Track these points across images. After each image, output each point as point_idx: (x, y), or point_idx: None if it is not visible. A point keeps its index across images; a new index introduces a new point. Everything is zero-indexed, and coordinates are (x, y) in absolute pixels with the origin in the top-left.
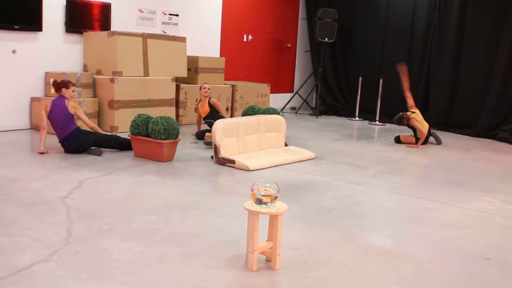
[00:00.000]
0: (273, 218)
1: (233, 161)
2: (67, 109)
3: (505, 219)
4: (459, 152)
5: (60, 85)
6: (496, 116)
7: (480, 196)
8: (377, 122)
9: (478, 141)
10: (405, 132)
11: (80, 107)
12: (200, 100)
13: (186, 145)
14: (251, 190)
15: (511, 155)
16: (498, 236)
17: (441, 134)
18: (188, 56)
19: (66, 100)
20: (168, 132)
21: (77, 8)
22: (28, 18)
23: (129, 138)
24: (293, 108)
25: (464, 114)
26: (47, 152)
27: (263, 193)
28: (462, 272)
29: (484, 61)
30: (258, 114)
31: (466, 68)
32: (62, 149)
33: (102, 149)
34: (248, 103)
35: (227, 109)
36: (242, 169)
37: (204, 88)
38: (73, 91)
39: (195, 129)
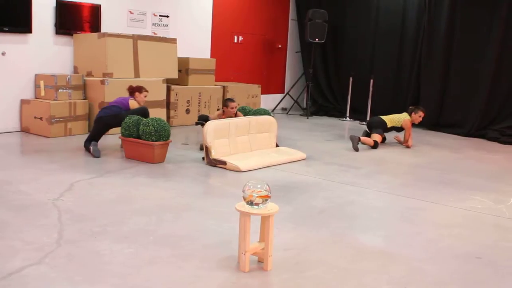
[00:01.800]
0: (265, 219)
1: (224, 162)
2: (127, 102)
3: (496, 218)
4: (450, 151)
5: (135, 89)
6: (486, 115)
7: (471, 196)
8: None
9: (468, 140)
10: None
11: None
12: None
13: (177, 147)
14: (243, 191)
15: (501, 154)
16: (489, 235)
17: (432, 134)
18: (178, 58)
19: (131, 100)
20: (159, 133)
21: (67, 10)
22: (17, 20)
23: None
24: (284, 109)
25: (455, 114)
26: None
27: (257, 195)
28: (454, 272)
29: (474, 61)
30: (249, 115)
31: (456, 68)
32: (54, 152)
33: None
34: (239, 104)
35: (217, 110)
36: (233, 170)
37: (233, 108)
38: (145, 96)
39: (186, 130)
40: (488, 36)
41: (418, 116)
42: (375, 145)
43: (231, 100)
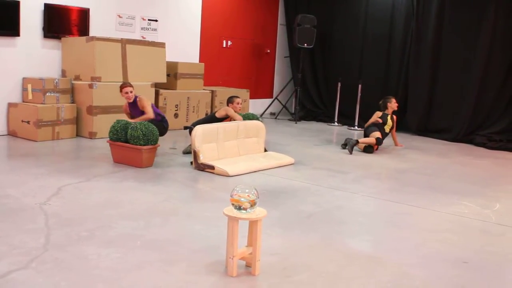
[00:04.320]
0: (253, 223)
1: (212, 167)
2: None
3: (483, 223)
4: (438, 157)
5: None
6: (474, 121)
7: (458, 201)
8: (356, 127)
9: (456, 146)
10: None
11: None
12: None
13: (166, 151)
14: (231, 195)
15: (488, 159)
16: (476, 240)
17: (419, 139)
18: (167, 62)
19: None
20: (147, 137)
21: (55, 13)
22: (5, 23)
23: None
24: (272, 114)
25: (442, 119)
26: None
27: (243, 199)
28: (442, 276)
29: (462, 67)
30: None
31: (444, 74)
32: (41, 156)
33: None
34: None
35: (206, 115)
36: (221, 175)
37: (239, 103)
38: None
39: (174, 134)
40: (475, 42)
41: (394, 103)
42: (378, 141)
43: (236, 96)
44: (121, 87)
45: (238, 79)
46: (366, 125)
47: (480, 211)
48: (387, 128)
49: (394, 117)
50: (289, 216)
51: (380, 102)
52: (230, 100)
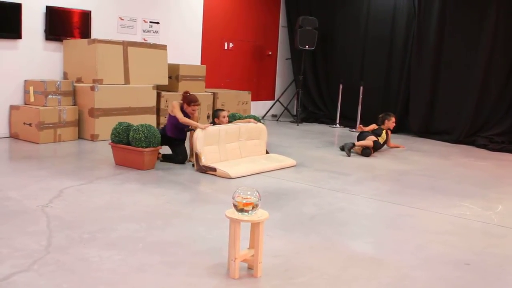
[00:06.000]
0: (255, 225)
1: (214, 169)
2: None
3: (485, 225)
4: (439, 158)
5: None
6: (475, 123)
7: (460, 202)
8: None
9: (457, 147)
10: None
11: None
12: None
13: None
14: (233, 198)
15: (490, 161)
16: (478, 242)
17: (421, 141)
18: (169, 64)
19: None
20: (149, 140)
21: (57, 16)
22: (7, 26)
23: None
24: (274, 116)
25: (444, 121)
26: None
27: (244, 201)
28: (443, 278)
29: (463, 69)
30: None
31: (445, 75)
32: (43, 158)
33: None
34: (229, 111)
35: (208, 117)
36: (223, 177)
37: (224, 117)
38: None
39: None
40: (477, 43)
41: (392, 122)
42: (375, 145)
43: (221, 109)
44: (192, 103)
45: (240, 81)
46: (359, 129)
47: (482, 212)
48: (380, 140)
49: (389, 132)
50: (291, 218)
51: (380, 116)
52: (215, 115)
